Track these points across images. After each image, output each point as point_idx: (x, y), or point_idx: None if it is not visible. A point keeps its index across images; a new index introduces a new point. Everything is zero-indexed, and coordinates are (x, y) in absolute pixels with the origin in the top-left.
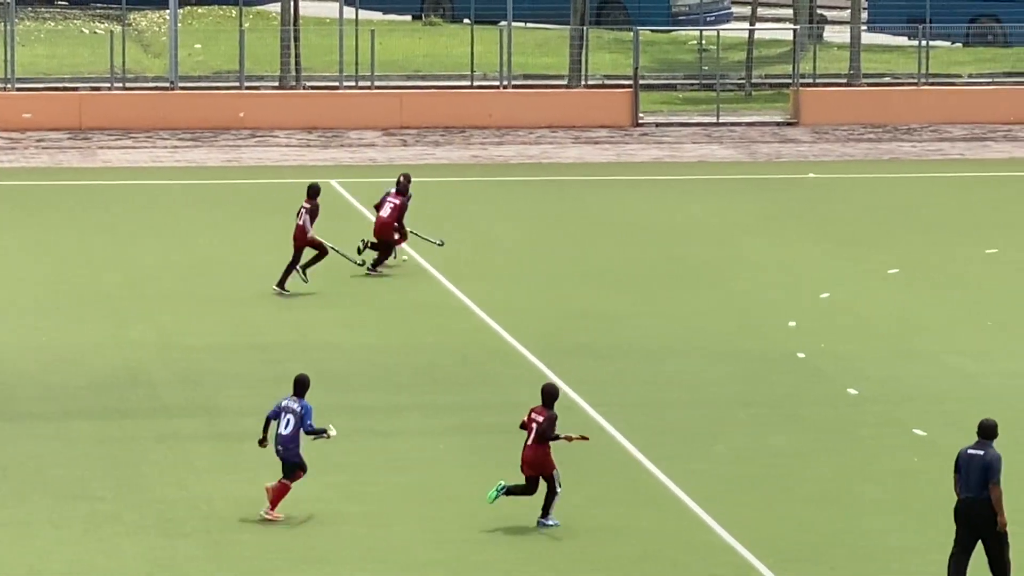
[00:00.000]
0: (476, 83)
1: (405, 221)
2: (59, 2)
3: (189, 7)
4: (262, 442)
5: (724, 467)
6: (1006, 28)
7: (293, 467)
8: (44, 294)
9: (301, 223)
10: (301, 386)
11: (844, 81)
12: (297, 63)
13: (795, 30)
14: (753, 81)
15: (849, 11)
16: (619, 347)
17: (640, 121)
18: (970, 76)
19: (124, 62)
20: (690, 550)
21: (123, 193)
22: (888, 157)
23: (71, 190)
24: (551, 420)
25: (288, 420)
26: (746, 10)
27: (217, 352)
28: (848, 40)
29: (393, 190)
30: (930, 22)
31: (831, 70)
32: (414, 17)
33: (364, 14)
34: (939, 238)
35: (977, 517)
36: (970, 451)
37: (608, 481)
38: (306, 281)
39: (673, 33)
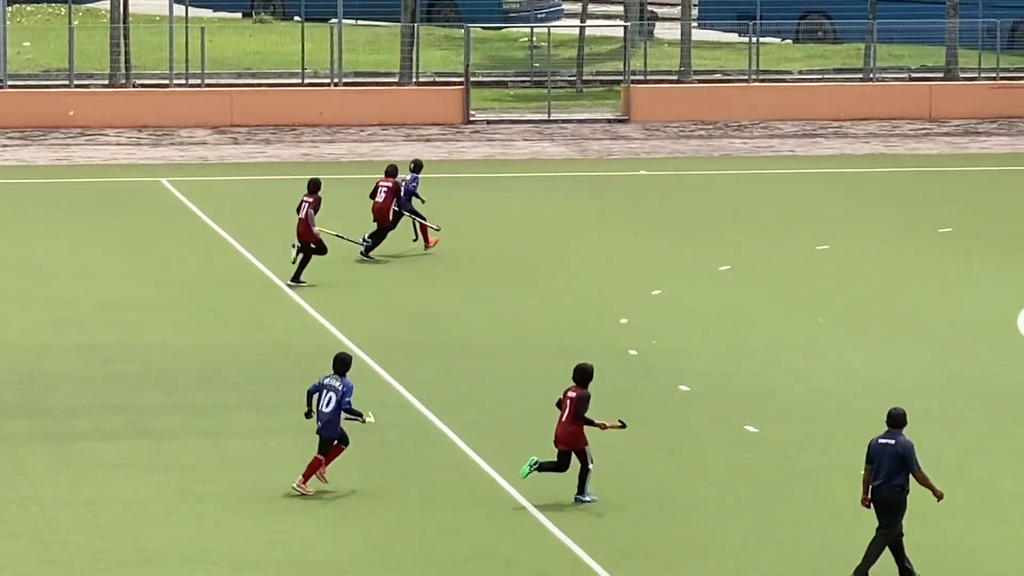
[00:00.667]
0: (307, 81)
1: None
2: None
3: (17, 5)
4: (308, 414)
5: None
6: (836, 24)
7: (330, 443)
8: None
9: (304, 217)
10: (342, 364)
11: (675, 78)
12: (127, 61)
13: (626, 27)
14: (584, 78)
15: (680, 8)
16: (450, 345)
17: (471, 119)
18: (800, 72)
19: None
20: (522, 548)
21: None
22: (719, 154)
23: None
24: (584, 399)
25: (330, 397)
26: (577, 7)
27: (46, 352)
28: (679, 37)
29: (385, 176)
30: (760, 19)
31: (662, 67)
32: (244, 15)
33: (194, 11)
34: (770, 235)
35: (887, 502)
36: (881, 440)
37: (440, 479)
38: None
39: (504, 30)
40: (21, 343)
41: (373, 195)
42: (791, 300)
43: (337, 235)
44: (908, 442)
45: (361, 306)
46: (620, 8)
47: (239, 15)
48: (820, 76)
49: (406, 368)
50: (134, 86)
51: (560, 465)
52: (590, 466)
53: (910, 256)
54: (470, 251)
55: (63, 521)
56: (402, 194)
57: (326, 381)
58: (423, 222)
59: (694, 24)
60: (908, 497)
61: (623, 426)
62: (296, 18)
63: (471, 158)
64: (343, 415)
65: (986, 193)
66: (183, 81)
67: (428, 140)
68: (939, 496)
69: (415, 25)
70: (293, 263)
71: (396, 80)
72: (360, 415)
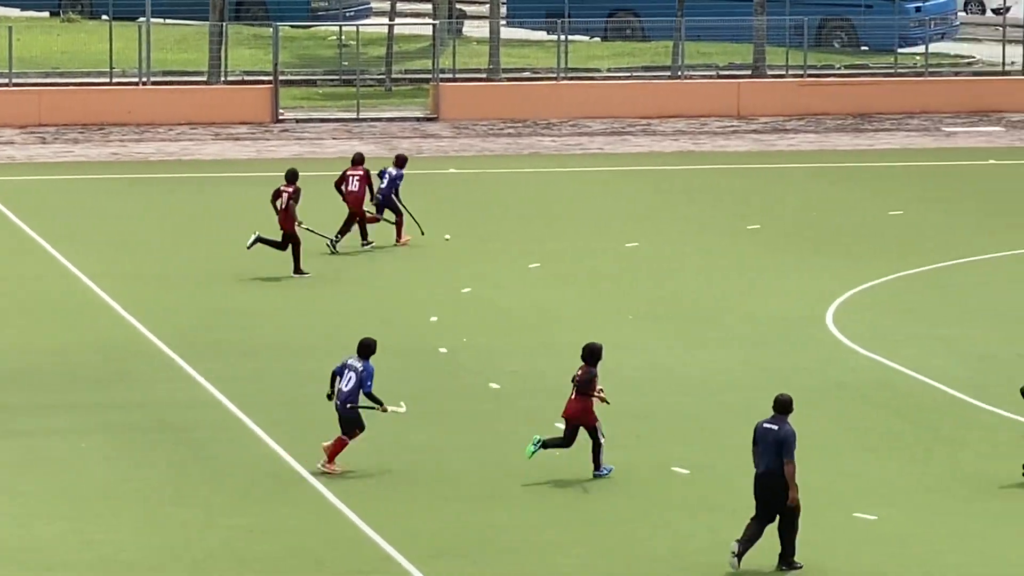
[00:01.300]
0: (115, 80)
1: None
2: None
3: None
4: (330, 396)
5: (367, 463)
6: (644, 22)
7: (351, 423)
8: None
9: (284, 207)
10: (366, 348)
11: (484, 76)
12: None
13: (434, 25)
14: (393, 77)
15: (488, 6)
16: (260, 344)
17: (280, 117)
18: (609, 70)
19: None
20: (334, 546)
21: None
22: (528, 152)
23: None
24: (591, 377)
25: (350, 378)
26: (385, 5)
27: None
28: (487, 35)
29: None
30: (569, 17)
31: (471, 65)
32: (52, 13)
33: (2, 10)
34: (580, 232)
35: (770, 490)
36: (765, 425)
37: (250, 478)
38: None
39: (313, 29)
40: None
41: (340, 184)
42: (601, 297)
43: (309, 229)
44: (790, 430)
45: (171, 305)
46: (429, 6)
47: (47, 14)
48: (628, 74)
49: (216, 367)
50: None
51: (566, 441)
52: (602, 440)
53: (719, 253)
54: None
55: None
56: (383, 187)
57: (349, 362)
58: (399, 219)
59: (503, 22)
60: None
61: (607, 403)
62: (104, 17)
63: (280, 157)
64: (363, 399)
65: (794, 190)
66: None
67: (237, 139)
68: (792, 500)
69: (223, 24)
70: (249, 248)
71: (205, 79)
72: (381, 403)
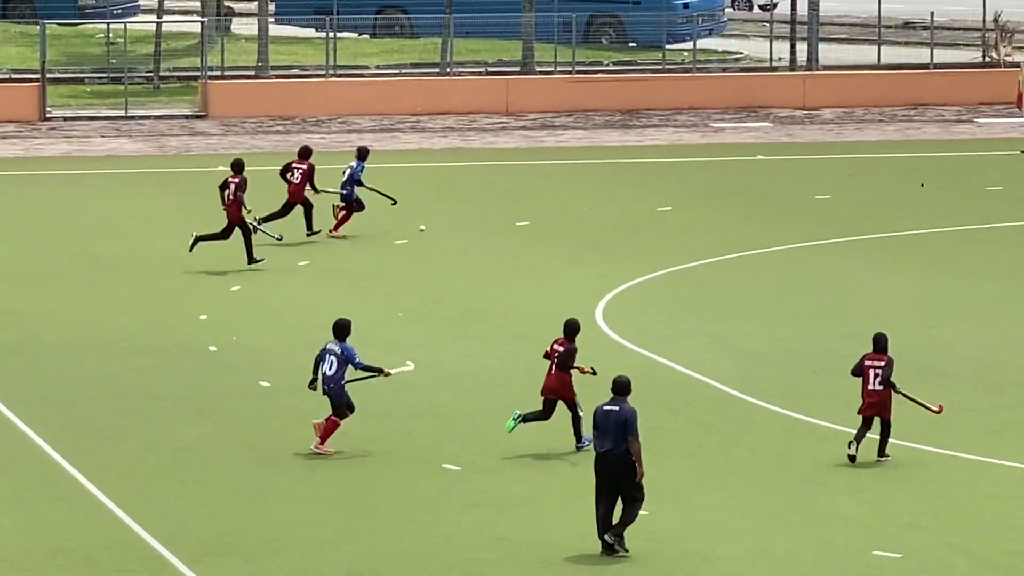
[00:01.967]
0: None
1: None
2: None
3: None
4: (312, 384)
5: (136, 462)
6: (413, 19)
7: (340, 405)
8: None
9: (234, 198)
10: (341, 330)
11: (252, 73)
12: None
13: (203, 23)
14: (161, 74)
15: (256, 3)
16: (27, 343)
17: (48, 115)
18: (377, 67)
19: None
20: (103, 546)
21: None
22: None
23: None
24: (571, 352)
25: (332, 362)
26: (153, 2)
27: None
28: (256, 32)
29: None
30: (337, 14)
31: (240, 62)
32: None
33: None
34: (350, 229)
35: (615, 469)
36: (606, 407)
37: (17, 477)
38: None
39: (80, 26)
40: None
41: (284, 173)
42: (371, 294)
43: (258, 227)
44: (632, 409)
45: None
46: (197, 4)
47: None
48: (397, 71)
49: None
50: None
51: (544, 414)
52: (580, 413)
53: (490, 250)
54: (50, 250)
55: None
56: (343, 181)
57: (328, 347)
58: (348, 212)
59: (271, 19)
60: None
61: (594, 373)
62: None
63: (48, 155)
64: (359, 373)
65: (563, 187)
66: None
67: (4, 137)
68: (640, 475)
69: None
70: (191, 251)
71: None
72: (379, 370)
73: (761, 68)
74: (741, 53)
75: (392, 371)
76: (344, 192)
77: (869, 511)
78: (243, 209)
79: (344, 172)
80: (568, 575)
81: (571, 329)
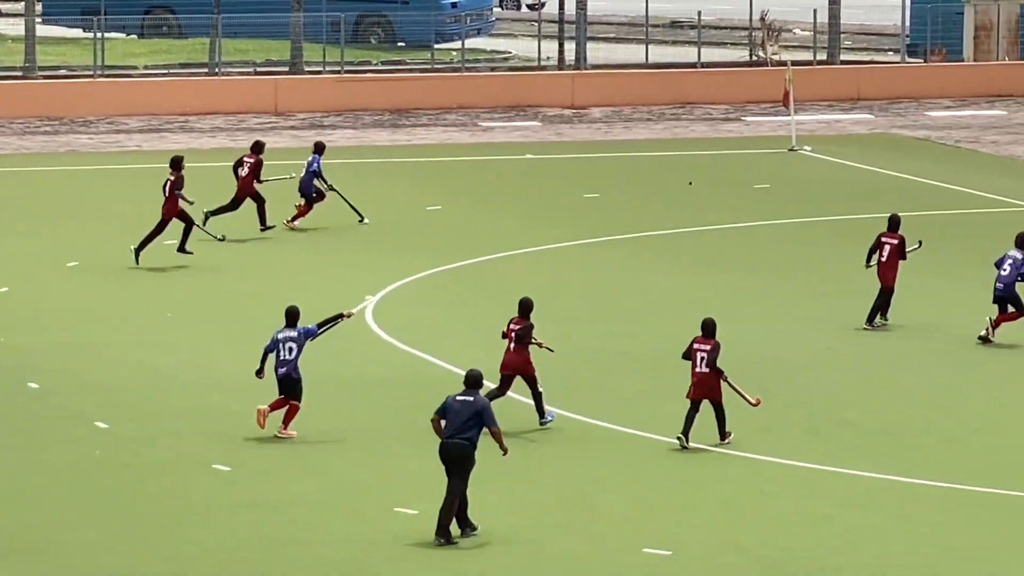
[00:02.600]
0: None
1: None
2: None
3: None
4: (259, 372)
5: None
6: (181, 19)
7: (294, 385)
8: None
9: (171, 195)
10: (292, 316)
11: (19, 74)
12: None
13: None
14: None
15: (23, 3)
16: None
17: None
18: (145, 68)
19: None
20: None
21: None
22: (65, 150)
23: None
24: (528, 328)
25: (290, 347)
26: None
27: None
28: (23, 33)
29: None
30: (105, 14)
31: (6, 63)
32: None
33: None
34: (119, 230)
35: (456, 455)
36: (459, 398)
37: None
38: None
39: None
40: None
41: (236, 168)
42: (140, 295)
43: (200, 226)
44: (486, 401)
45: None
46: None
47: None
48: (166, 71)
49: None
50: None
51: (502, 390)
52: (540, 389)
53: (259, 250)
54: None
55: None
56: (303, 176)
57: (280, 336)
58: (308, 205)
59: (38, 20)
60: (475, 453)
61: (551, 350)
62: None
63: None
64: (318, 336)
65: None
66: None
67: None
68: (505, 451)
69: None
70: (137, 264)
71: None
72: (340, 315)
73: (529, 67)
74: (510, 52)
75: (352, 311)
76: (302, 186)
77: (640, 509)
78: (178, 205)
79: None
80: (339, 574)
81: (525, 307)
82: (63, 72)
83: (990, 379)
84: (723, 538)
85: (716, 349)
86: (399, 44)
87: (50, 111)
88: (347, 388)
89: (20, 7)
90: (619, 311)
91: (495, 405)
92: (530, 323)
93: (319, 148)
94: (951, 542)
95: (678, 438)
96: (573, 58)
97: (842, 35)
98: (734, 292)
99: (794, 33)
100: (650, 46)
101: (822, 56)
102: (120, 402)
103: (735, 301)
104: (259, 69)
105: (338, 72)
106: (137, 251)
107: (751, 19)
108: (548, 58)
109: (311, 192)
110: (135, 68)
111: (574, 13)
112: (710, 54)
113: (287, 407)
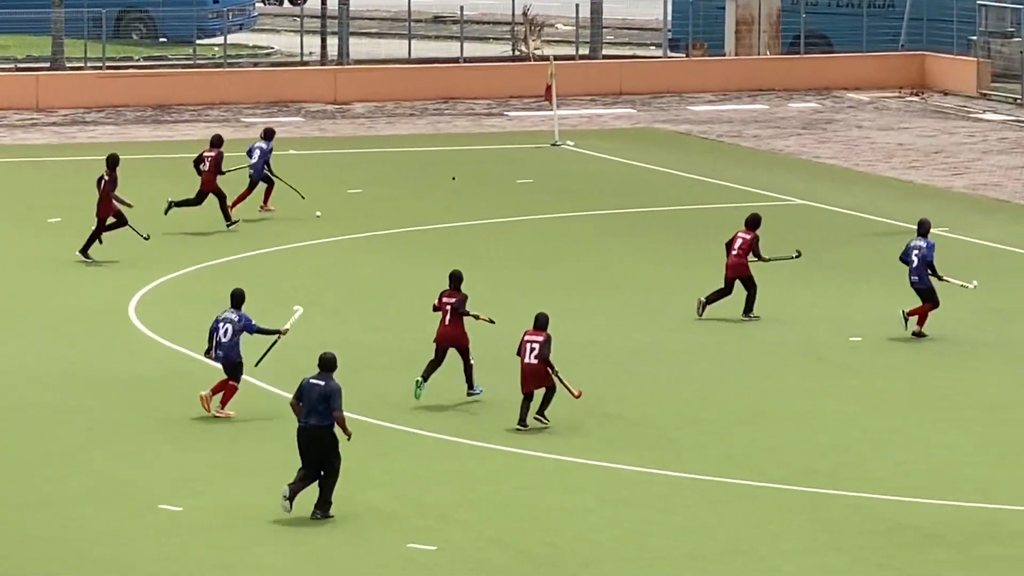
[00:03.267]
0: None
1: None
2: None
3: None
4: (208, 352)
5: None
6: None
7: (235, 367)
8: None
9: (104, 194)
10: (237, 299)
11: None
12: None
13: None
14: None
15: None
16: None
17: None
18: None
19: None
20: None
21: None
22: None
23: None
24: (463, 299)
25: (227, 329)
26: None
27: None
28: None
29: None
30: None
31: None
32: None
33: None
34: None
35: (317, 441)
36: (312, 380)
37: None
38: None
39: None
40: None
41: (197, 163)
42: None
43: (131, 226)
44: (337, 385)
45: None
46: None
47: None
48: None
49: None
50: None
51: (437, 361)
52: (472, 361)
53: (24, 247)
54: None
55: None
56: (254, 161)
57: (223, 316)
58: (270, 188)
59: None
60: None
61: (492, 322)
62: None
63: None
64: (256, 334)
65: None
66: None
67: None
68: (348, 435)
69: None
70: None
71: None
72: (277, 331)
73: (292, 63)
74: (272, 48)
75: (287, 327)
76: (252, 170)
77: (404, 504)
78: (112, 203)
79: (251, 156)
80: (104, 572)
81: (456, 280)
82: None
83: (756, 372)
84: (487, 533)
85: (548, 342)
86: (161, 40)
87: None
88: (112, 385)
89: None
90: (380, 306)
91: (436, 376)
92: (464, 295)
93: (268, 135)
94: (713, 534)
95: (516, 429)
96: (336, 53)
97: (604, 30)
98: (498, 287)
99: (556, 28)
100: (413, 41)
101: (584, 51)
102: None
103: (499, 296)
104: (19, 65)
105: (100, 68)
106: (83, 252)
107: (513, 14)
108: (311, 53)
109: (261, 176)
110: None
111: (336, 8)
112: (473, 49)
113: (225, 388)
